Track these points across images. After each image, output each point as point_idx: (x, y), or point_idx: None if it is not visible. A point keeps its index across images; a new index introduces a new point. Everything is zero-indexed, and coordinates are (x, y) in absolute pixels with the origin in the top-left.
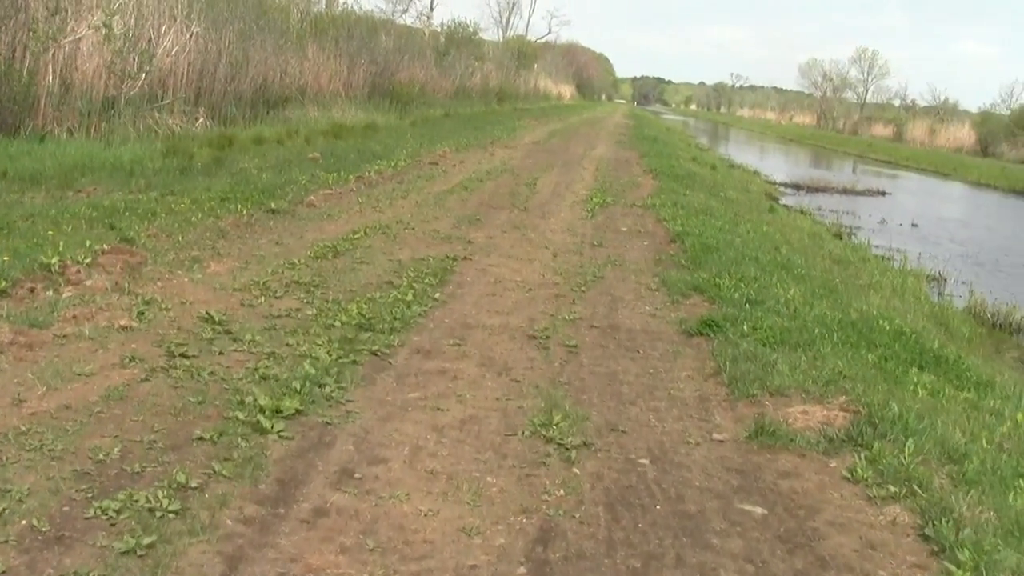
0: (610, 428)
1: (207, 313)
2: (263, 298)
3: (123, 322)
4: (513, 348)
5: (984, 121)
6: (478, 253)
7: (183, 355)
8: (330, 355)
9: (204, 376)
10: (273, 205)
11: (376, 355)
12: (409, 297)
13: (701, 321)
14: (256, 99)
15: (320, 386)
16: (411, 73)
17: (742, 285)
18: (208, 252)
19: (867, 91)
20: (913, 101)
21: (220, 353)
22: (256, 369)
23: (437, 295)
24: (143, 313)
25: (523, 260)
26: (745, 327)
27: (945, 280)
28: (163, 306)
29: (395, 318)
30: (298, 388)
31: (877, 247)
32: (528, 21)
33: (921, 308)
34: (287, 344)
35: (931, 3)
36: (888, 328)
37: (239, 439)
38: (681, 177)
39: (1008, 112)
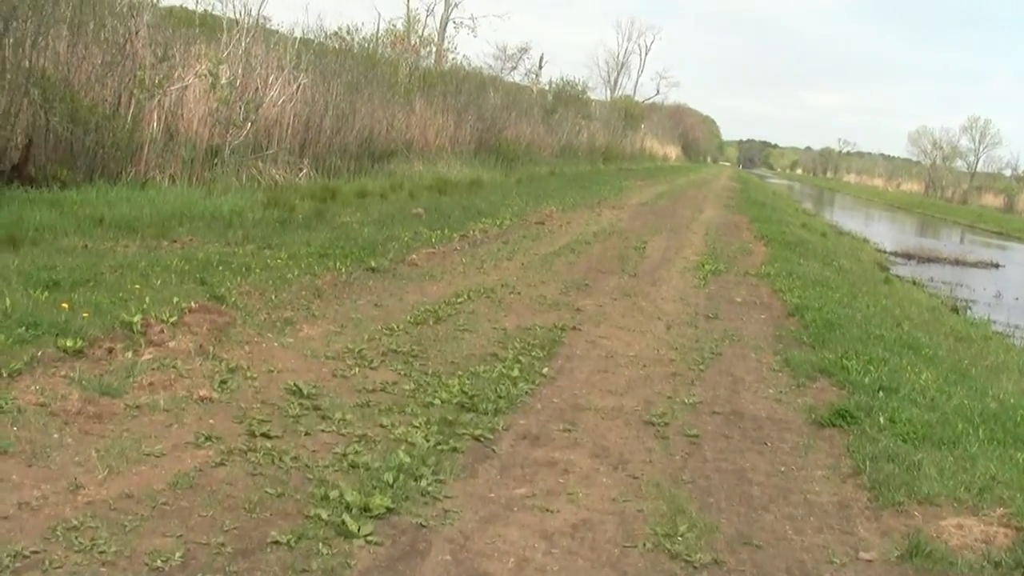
0: (743, 541)
1: (295, 385)
2: (357, 368)
3: (203, 392)
4: (629, 436)
5: None
6: (587, 322)
7: (265, 435)
8: (427, 440)
9: (286, 462)
10: (373, 263)
11: (478, 440)
12: (515, 372)
13: (832, 410)
14: (361, 152)
15: (415, 478)
16: (518, 130)
17: (871, 368)
18: (302, 313)
19: (978, 160)
20: None
21: (306, 434)
22: (345, 455)
23: (545, 370)
24: (225, 382)
25: (635, 332)
26: (881, 419)
27: None
28: (248, 374)
29: (499, 396)
30: (390, 481)
31: (996, 323)
32: (636, 81)
33: None
34: (381, 425)
35: None
36: None
37: (320, 544)
38: (793, 244)
39: None
